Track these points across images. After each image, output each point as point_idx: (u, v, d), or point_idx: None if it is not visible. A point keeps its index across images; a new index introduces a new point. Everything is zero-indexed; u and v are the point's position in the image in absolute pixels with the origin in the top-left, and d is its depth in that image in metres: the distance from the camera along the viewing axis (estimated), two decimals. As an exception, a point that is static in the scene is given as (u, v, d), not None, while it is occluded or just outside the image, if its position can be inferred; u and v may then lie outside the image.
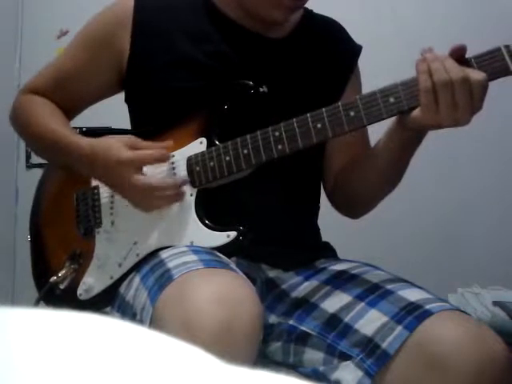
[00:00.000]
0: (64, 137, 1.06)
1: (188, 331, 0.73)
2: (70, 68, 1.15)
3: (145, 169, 1.00)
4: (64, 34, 2.38)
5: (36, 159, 2.37)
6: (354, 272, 1.01)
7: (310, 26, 1.15)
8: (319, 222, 1.19)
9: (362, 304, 0.93)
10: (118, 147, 0.99)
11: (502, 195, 2.12)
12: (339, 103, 0.94)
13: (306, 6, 1.10)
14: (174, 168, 1.04)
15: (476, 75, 0.86)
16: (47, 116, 1.12)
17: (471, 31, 2.08)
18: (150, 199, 1.01)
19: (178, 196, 1.01)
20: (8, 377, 0.22)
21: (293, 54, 1.12)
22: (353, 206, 1.16)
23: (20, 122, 1.18)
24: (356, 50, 1.19)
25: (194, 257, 0.90)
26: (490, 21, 2.11)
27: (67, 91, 1.15)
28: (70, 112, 1.17)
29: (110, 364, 0.24)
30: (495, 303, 1.65)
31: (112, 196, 1.09)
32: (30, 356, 0.24)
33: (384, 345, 0.86)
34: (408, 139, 0.96)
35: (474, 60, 0.88)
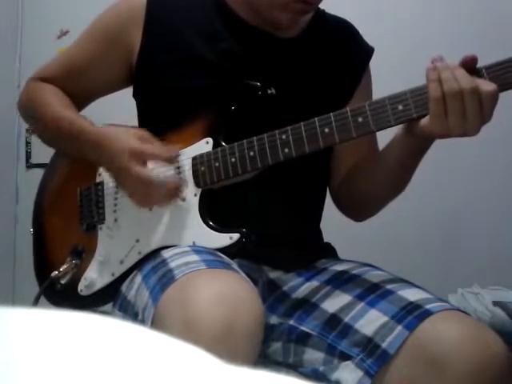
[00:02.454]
0: (74, 122, 1.06)
1: (190, 331, 0.73)
2: (80, 59, 1.15)
3: (150, 164, 1.00)
4: (64, 33, 2.38)
5: (36, 159, 2.37)
6: (354, 272, 1.01)
7: (321, 26, 1.14)
8: (322, 222, 1.19)
9: (362, 304, 0.93)
10: (128, 136, 1.00)
11: (503, 195, 2.12)
12: (347, 108, 0.93)
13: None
14: (178, 167, 1.04)
15: (486, 86, 0.85)
16: (57, 103, 1.12)
17: (471, 31, 2.08)
18: (148, 194, 1.00)
19: (177, 196, 1.01)
20: (8, 377, 0.22)
21: (303, 55, 1.12)
22: (357, 208, 1.16)
23: (28, 107, 1.17)
24: (368, 51, 1.18)
25: (196, 257, 0.90)
26: (489, 21, 2.11)
27: (76, 82, 1.15)
28: (77, 103, 1.17)
29: (111, 364, 0.24)
30: (495, 303, 1.65)
31: (116, 193, 1.09)
32: (30, 356, 0.24)
33: (384, 345, 0.86)
34: (415, 146, 0.96)
35: (485, 70, 0.88)
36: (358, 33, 1.19)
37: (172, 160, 1.02)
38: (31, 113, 1.17)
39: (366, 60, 1.18)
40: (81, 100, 1.18)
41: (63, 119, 1.08)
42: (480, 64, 0.88)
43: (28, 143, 2.37)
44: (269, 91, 1.02)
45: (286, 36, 1.10)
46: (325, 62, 1.13)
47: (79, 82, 1.15)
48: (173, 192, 1.01)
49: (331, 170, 1.16)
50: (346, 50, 1.15)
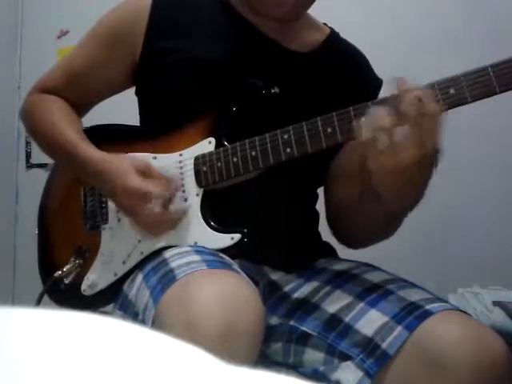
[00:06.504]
0: (76, 146, 1.06)
1: (190, 332, 0.73)
2: (83, 64, 1.14)
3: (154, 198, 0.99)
4: (64, 34, 2.38)
5: (36, 159, 2.37)
6: (354, 272, 1.01)
7: (332, 48, 1.14)
8: (320, 221, 1.19)
9: (362, 304, 0.93)
10: (128, 171, 0.99)
11: (503, 195, 2.12)
12: (350, 108, 0.92)
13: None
14: (181, 167, 1.04)
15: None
16: (59, 118, 1.12)
17: (471, 32, 2.08)
18: (155, 231, 1.02)
19: (180, 221, 1.02)
20: (8, 377, 0.22)
21: (310, 67, 1.11)
22: (350, 238, 1.13)
23: (31, 122, 1.17)
24: (379, 83, 1.16)
25: (197, 257, 0.89)
26: (489, 22, 2.11)
27: (80, 88, 1.15)
28: (82, 108, 1.18)
29: (111, 364, 0.24)
30: (495, 303, 1.65)
31: None
32: (30, 356, 0.24)
33: (384, 345, 0.86)
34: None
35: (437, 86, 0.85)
36: (369, 63, 1.19)
37: (174, 192, 1.01)
38: (32, 128, 1.18)
39: (377, 90, 1.13)
40: (84, 105, 1.18)
41: (65, 142, 1.07)
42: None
43: (28, 143, 2.37)
44: (272, 90, 1.01)
45: (294, 48, 1.10)
46: (332, 78, 1.12)
47: (83, 88, 1.15)
48: (177, 219, 1.02)
49: (325, 198, 1.15)
50: (355, 75, 1.14)
